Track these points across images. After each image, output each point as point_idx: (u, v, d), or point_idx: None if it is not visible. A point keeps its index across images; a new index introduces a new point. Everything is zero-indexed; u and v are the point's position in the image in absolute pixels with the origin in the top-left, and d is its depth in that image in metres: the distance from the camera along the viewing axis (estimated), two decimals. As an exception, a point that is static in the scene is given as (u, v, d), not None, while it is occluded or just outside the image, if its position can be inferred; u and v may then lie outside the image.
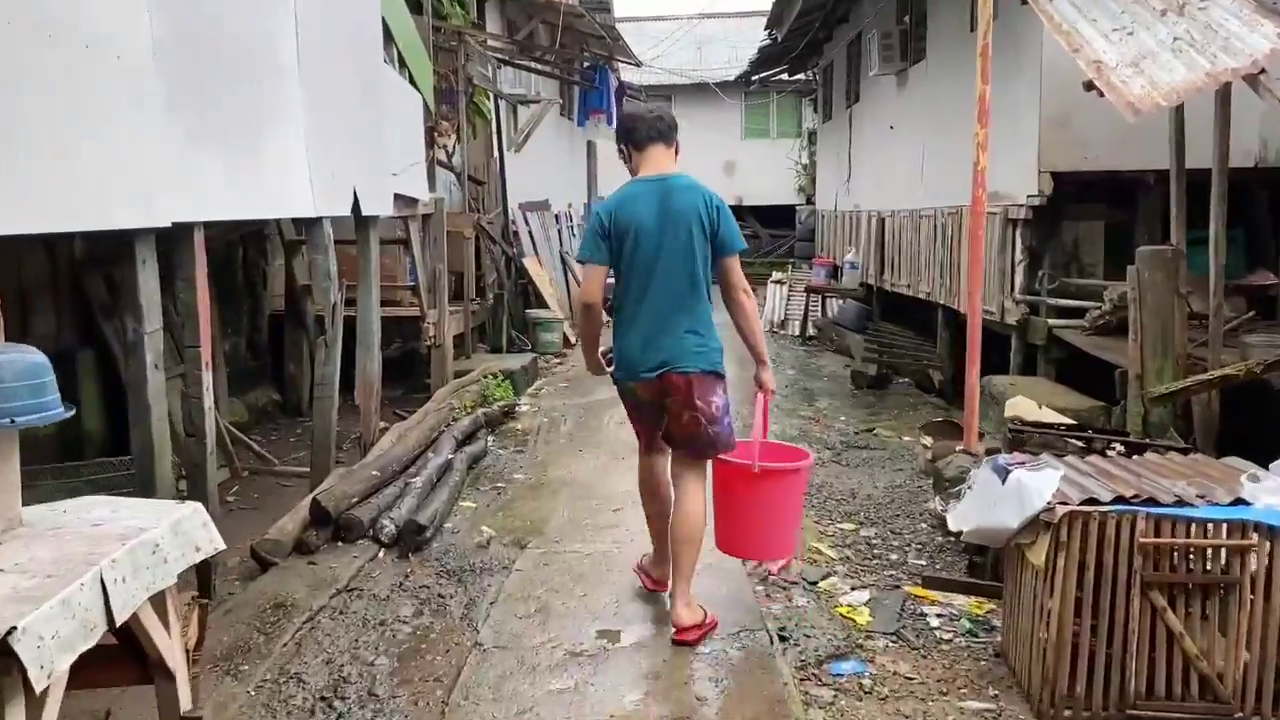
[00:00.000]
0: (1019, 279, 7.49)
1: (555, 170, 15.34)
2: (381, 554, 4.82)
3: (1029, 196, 7.18)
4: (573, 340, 12.05)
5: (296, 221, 6.86)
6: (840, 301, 13.98)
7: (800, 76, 19.68)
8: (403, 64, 7.25)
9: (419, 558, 4.83)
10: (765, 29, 13.97)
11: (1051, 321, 7.17)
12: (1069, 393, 6.60)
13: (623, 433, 7.28)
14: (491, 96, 10.22)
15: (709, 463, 3.80)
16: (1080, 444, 4.50)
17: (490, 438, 7.17)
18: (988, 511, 3.75)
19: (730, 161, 23.95)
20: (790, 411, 7.91)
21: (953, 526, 4.09)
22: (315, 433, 5.56)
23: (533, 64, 12.34)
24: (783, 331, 13.49)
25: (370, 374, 6.45)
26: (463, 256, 8.99)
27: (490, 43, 10.38)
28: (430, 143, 7.91)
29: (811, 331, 12.32)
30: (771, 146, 23.42)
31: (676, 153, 3.85)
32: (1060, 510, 3.27)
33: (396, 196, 6.78)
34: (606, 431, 7.32)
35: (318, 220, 5.35)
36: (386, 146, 6.54)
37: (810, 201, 19.04)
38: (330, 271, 5.41)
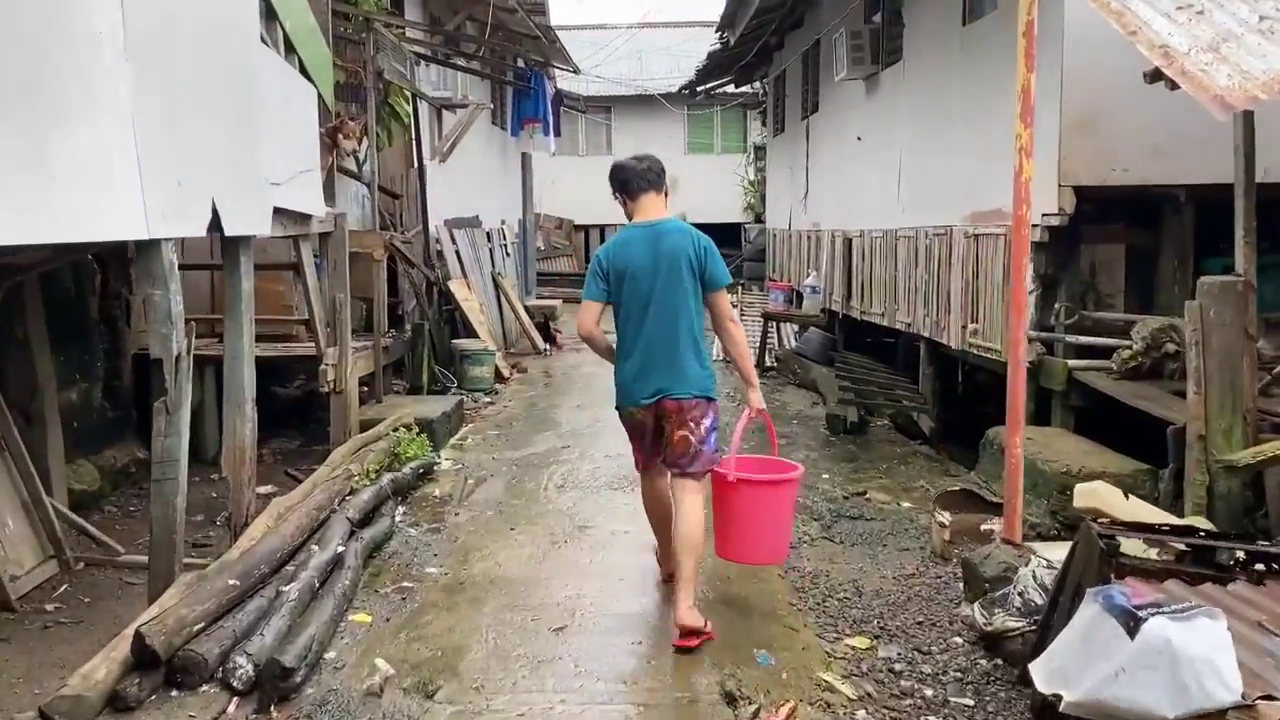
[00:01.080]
0: (1030, 312, 6.37)
1: (486, 184, 14.00)
2: (233, 707, 3.47)
3: (1045, 215, 6.08)
4: (506, 374, 10.71)
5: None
6: (795, 329, 12.88)
7: (746, 89, 18.67)
8: (291, 49, 5.90)
9: (285, 712, 3.47)
10: (716, 30, 12.87)
11: (1071, 362, 6.08)
12: (1102, 451, 5.48)
13: (564, 500, 5.98)
14: (411, 97, 8.88)
15: (704, 480, 4.14)
16: (1183, 546, 3.34)
17: (400, 509, 5.82)
18: (1109, 678, 2.53)
19: (672, 177, 22.55)
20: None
21: (1043, 687, 2.87)
22: (154, 529, 4.16)
23: (459, 61, 11.00)
24: (737, 361, 12.30)
25: (241, 438, 5.06)
26: (372, 281, 7.62)
27: (410, 33, 9.04)
28: (330, 147, 6.55)
29: (770, 363, 11.15)
30: (716, 162, 22.37)
31: (666, 196, 4.26)
32: (1267, 710, 2.06)
33: (279, 211, 5.41)
34: (544, 499, 6.01)
35: (154, 243, 3.97)
36: (264, 148, 5.18)
37: (760, 219, 17.98)
38: (172, 312, 4.03)
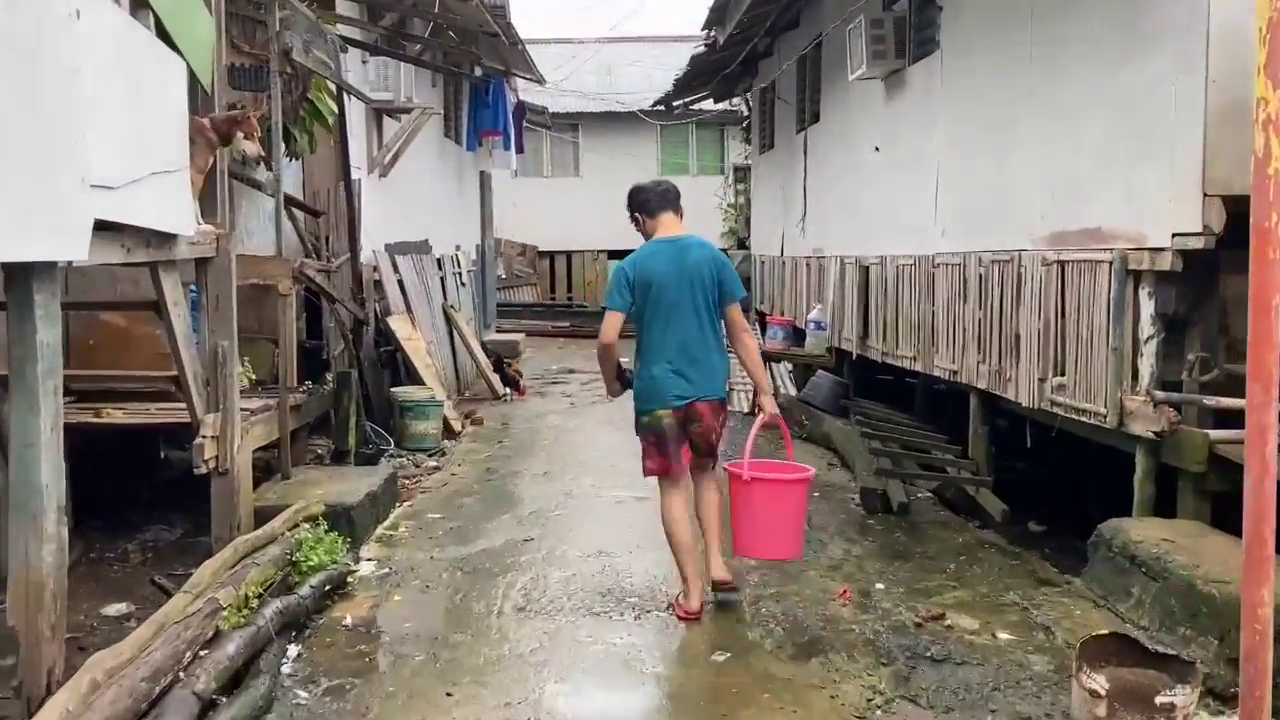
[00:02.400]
0: (1148, 364, 4.79)
1: (438, 204, 12.31)
2: None
3: (1178, 236, 4.52)
4: (458, 428, 8.97)
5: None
6: (789, 370, 11.28)
7: (725, 105, 17.19)
8: (142, 4, 4.21)
9: None
10: (703, 27, 11.33)
11: (1212, 433, 4.49)
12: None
13: (526, 635, 4.18)
14: (337, 92, 7.20)
15: (719, 468, 4.55)
16: None
17: (293, 651, 4.08)
18: None
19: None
20: (791, 565, 5.02)
21: None
22: None
23: (401, 52, 9.32)
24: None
25: (39, 569, 3.31)
26: (278, 321, 5.89)
27: (340, 11, 7.38)
28: (210, 145, 4.83)
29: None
30: (692, 185, 20.73)
31: (681, 216, 4.54)
32: None
33: (110, 227, 3.70)
34: (498, 635, 4.26)
35: None
36: (80, 136, 3.46)
37: (743, 245, 16.43)
38: None
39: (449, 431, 8.76)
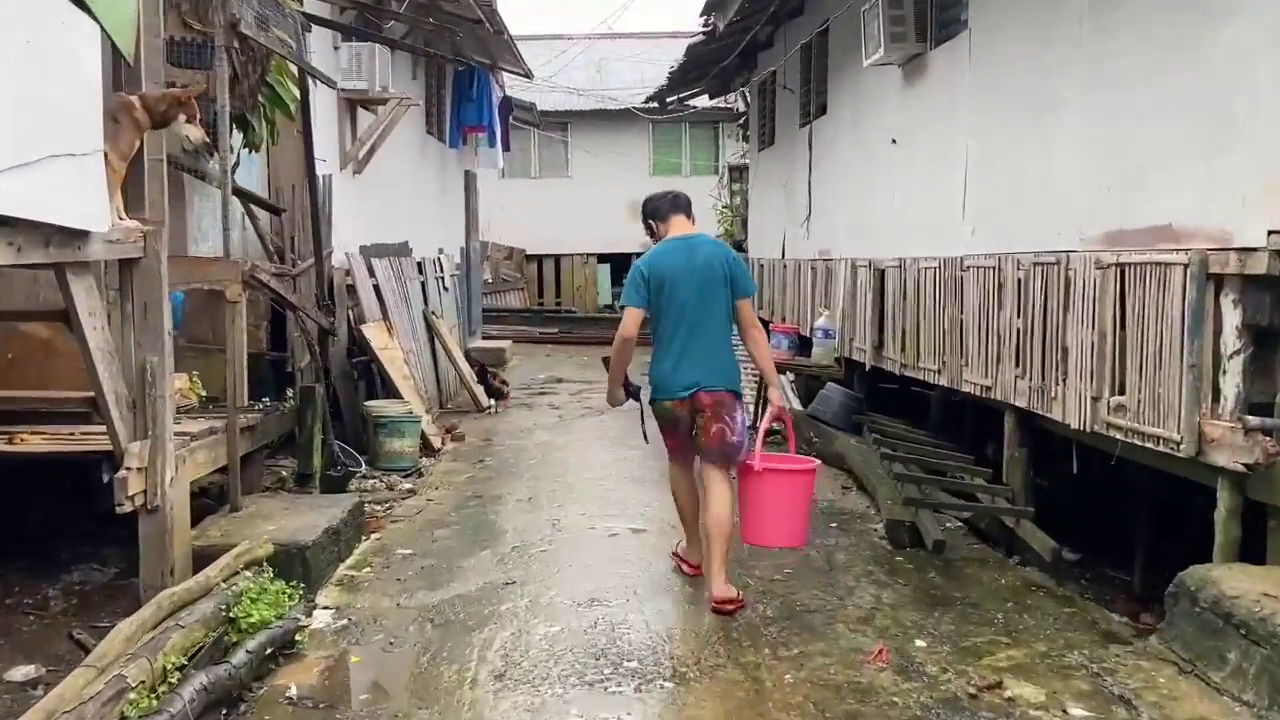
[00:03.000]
0: (1232, 383, 4.11)
1: (419, 204, 11.60)
2: None
3: (1274, 234, 3.84)
4: (438, 444, 8.26)
5: None
6: (791, 379, 10.56)
7: (719, 103, 16.54)
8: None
9: None
10: (701, 14, 10.62)
11: (1316, 467, 3.81)
12: None
13: (503, 705, 3.52)
14: (300, 76, 6.47)
15: (732, 470, 4.56)
16: None
17: (222, 734, 3.36)
18: None
19: (635, 201, 20.51)
20: (814, 616, 4.32)
21: None
22: None
23: (377, 34, 8.60)
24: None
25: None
26: (228, 332, 5.16)
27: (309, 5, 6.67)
28: (137, 127, 4.10)
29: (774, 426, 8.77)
30: (685, 185, 20.08)
31: (693, 220, 4.79)
32: None
33: (-14, 220, 2.99)
34: (475, 702, 3.54)
35: None
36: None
37: (741, 248, 15.73)
38: None
39: (428, 448, 8.04)
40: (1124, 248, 4.73)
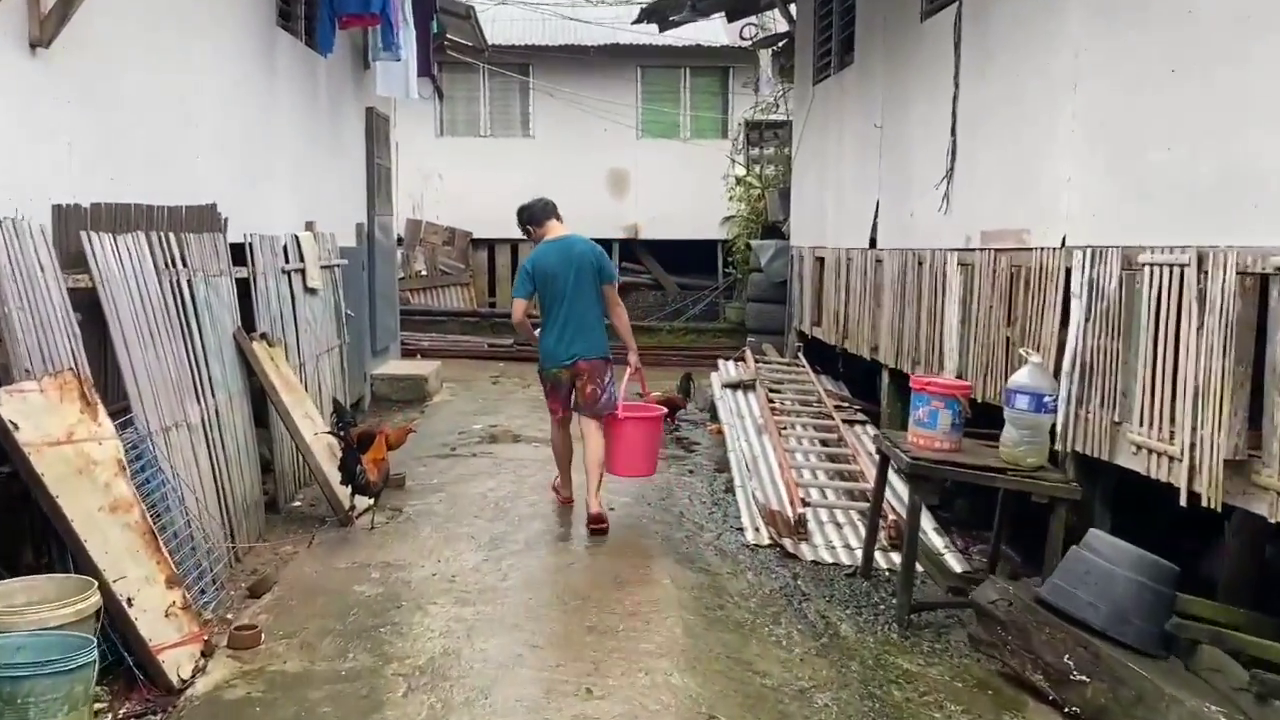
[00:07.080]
0: None
1: (256, 145, 6.76)
2: None
3: None
4: (182, 675, 3.40)
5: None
6: (930, 494, 5.85)
7: (749, 23, 11.84)
8: None
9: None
10: None
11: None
12: None
13: None
14: None
15: (604, 420, 5.73)
16: None
17: None
18: None
19: (619, 172, 15.79)
20: None
21: None
22: None
23: None
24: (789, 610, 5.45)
25: None
26: None
27: None
28: None
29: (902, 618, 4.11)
30: (682, 151, 15.41)
31: (563, 221, 5.90)
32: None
33: None
34: None
35: None
36: None
37: (778, 233, 11.00)
38: None
39: (155, 683, 3.27)
40: None
